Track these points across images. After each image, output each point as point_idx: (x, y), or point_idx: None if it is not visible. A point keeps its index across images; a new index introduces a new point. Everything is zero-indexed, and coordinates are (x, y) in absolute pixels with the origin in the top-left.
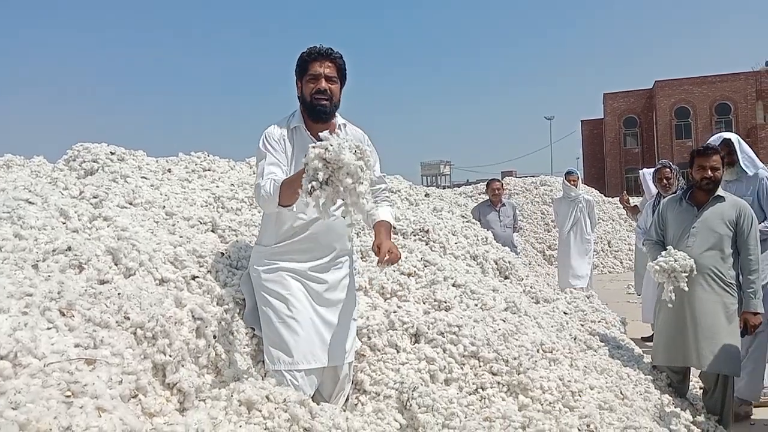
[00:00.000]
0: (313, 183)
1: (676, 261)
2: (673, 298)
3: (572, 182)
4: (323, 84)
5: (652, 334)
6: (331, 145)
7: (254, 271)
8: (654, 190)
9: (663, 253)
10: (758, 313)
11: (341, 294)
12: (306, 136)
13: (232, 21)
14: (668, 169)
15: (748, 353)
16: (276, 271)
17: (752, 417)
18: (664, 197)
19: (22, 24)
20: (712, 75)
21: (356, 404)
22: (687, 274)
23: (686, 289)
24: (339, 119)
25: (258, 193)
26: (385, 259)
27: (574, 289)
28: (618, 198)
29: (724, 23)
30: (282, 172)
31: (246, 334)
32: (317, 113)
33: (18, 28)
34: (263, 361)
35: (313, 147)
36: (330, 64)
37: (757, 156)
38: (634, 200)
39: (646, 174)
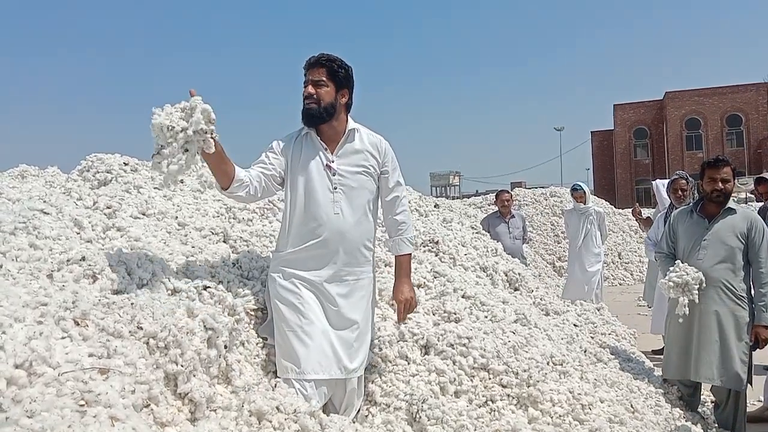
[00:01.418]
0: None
1: (688, 274)
2: (687, 312)
3: (578, 199)
4: (309, 89)
5: (663, 347)
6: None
7: (270, 279)
8: (667, 201)
9: (672, 267)
10: None
11: (357, 306)
12: (317, 141)
13: (246, 27)
14: (684, 181)
15: None
16: (290, 278)
17: None
18: (675, 209)
19: (31, 32)
20: (723, 86)
21: (366, 416)
22: (698, 287)
23: (697, 301)
24: (351, 124)
25: None
26: (403, 315)
27: (582, 301)
28: (630, 210)
29: (735, 34)
30: (258, 170)
31: (257, 344)
32: (306, 116)
33: (29, 37)
34: (274, 372)
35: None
36: (321, 70)
37: (767, 168)
38: (646, 212)
39: (660, 185)
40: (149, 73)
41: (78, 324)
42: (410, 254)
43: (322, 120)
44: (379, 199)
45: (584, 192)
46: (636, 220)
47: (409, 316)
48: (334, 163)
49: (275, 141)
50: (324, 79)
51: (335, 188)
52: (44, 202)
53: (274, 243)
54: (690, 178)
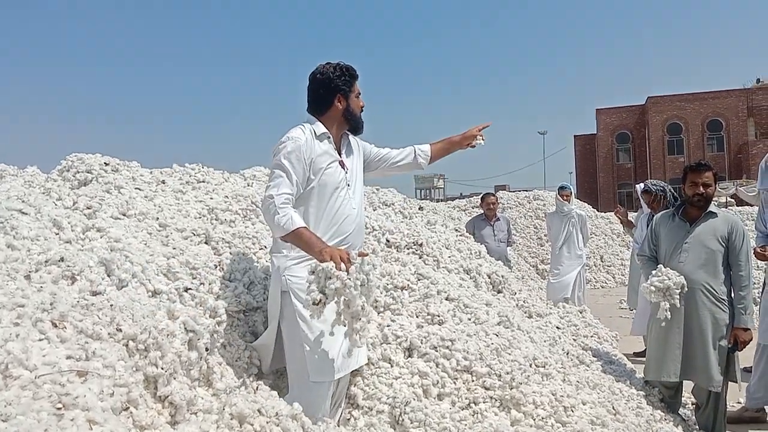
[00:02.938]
0: (319, 296)
1: (669, 279)
2: (669, 316)
3: (565, 197)
4: (363, 102)
5: (644, 350)
6: (349, 279)
7: (297, 280)
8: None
9: (654, 272)
10: (748, 329)
11: None
12: (327, 140)
13: (230, 29)
14: (646, 192)
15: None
16: None
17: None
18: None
19: (21, 31)
20: (704, 92)
21: (349, 419)
22: (680, 291)
23: (678, 305)
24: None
25: (270, 211)
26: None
27: (565, 302)
28: (612, 212)
29: (716, 41)
30: (296, 194)
31: (239, 347)
32: (362, 126)
33: (17, 35)
34: (256, 374)
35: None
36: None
37: (747, 172)
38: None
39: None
40: (132, 72)
41: (56, 326)
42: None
43: None
44: (376, 162)
45: (571, 192)
46: (620, 221)
47: (392, 318)
48: (345, 161)
49: (298, 143)
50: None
51: (348, 185)
52: (23, 202)
53: (257, 245)
54: (653, 187)
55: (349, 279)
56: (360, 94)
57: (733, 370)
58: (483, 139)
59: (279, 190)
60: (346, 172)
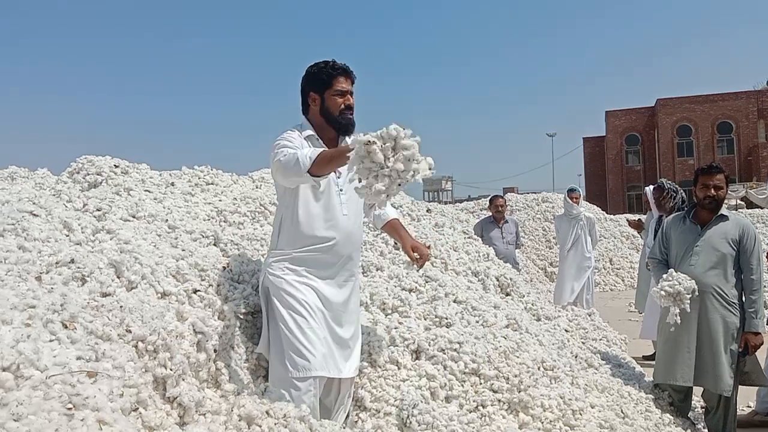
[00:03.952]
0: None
1: (680, 284)
2: (679, 321)
3: (574, 200)
4: (352, 100)
5: (654, 353)
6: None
7: (271, 276)
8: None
9: (665, 276)
10: (759, 334)
11: (354, 306)
12: (319, 143)
13: (235, 27)
14: (659, 189)
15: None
16: (296, 276)
17: None
18: (667, 216)
19: (26, 33)
20: (714, 93)
21: (356, 421)
22: (690, 296)
23: (689, 310)
24: None
25: (286, 159)
26: (421, 262)
27: (572, 305)
28: (621, 214)
29: (726, 42)
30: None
31: (247, 348)
32: (347, 128)
33: (21, 38)
34: (264, 376)
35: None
36: (351, 81)
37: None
38: (638, 217)
39: (650, 191)
40: (143, 75)
41: (66, 327)
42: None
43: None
44: None
45: (580, 194)
46: (631, 227)
47: (399, 320)
48: None
49: (293, 136)
50: (353, 90)
51: (341, 190)
52: (34, 204)
53: (265, 247)
54: (670, 186)
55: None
56: (345, 92)
57: (759, 370)
58: (417, 268)
59: (286, 152)
60: (338, 177)
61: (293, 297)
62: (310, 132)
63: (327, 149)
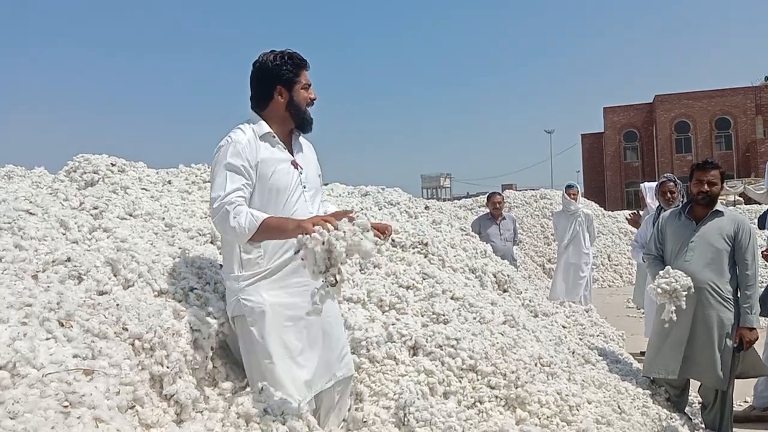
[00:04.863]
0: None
1: (676, 281)
2: (675, 318)
3: (572, 196)
4: (315, 94)
5: None
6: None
7: (254, 305)
8: (654, 204)
9: (661, 273)
10: (754, 329)
11: (335, 310)
12: (275, 139)
13: (231, 24)
14: (672, 183)
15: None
16: (281, 303)
17: None
18: (664, 211)
19: (23, 35)
20: (712, 89)
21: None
22: (686, 293)
23: (684, 307)
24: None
25: (223, 218)
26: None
27: (571, 302)
28: (619, 210)
29: (724, 38)
30: (248, 197)
31: None
32: (310, 123)
33: (19, 39)
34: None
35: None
36: (307, 71)
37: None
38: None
39: (647, 187)
40: (139, 73)
41: (63, 325)
42: None
43: None
44: None
45: (578, 190)
46: (630, 223)
47: (396, 317)
48: (297, 160)
49: (240, 146)
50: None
51: (305, 186)
52: (30, 202)
53: None
54: (678, 181)
55: (351, 226)
56: (310, 85)
57: (758, 361)
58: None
59: (227, 189)
60: (300, 173)
61: (282, 325)
62: (267, 129)
63: (274, 221)
